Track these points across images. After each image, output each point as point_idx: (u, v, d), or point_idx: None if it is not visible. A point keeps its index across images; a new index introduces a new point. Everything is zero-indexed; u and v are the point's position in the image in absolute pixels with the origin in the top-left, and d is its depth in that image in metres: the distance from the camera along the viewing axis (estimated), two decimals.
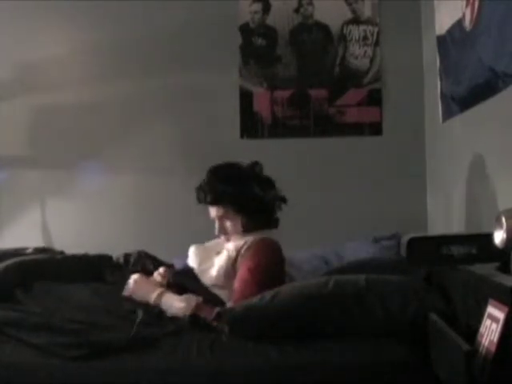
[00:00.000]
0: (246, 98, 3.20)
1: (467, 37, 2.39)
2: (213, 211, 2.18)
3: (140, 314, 1.91)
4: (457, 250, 1.61)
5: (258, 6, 3.21)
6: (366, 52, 3.20)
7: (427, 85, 3.09)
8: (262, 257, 2.06)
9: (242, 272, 2.04)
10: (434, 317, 1.64)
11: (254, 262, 2.04)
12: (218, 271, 2.10)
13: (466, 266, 1.64)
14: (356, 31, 3.20)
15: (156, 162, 3.20)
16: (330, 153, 3.18)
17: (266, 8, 3.21)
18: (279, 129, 3.20)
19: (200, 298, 2.00)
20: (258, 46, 3.22)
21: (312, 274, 2.32)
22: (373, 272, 2.10)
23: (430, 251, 1.63)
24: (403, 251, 1.68)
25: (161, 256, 2.53)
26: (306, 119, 3.20)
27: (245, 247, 2.10)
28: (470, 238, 1.64)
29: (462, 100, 2.51)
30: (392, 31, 3.18)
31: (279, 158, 3.14)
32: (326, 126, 3.19)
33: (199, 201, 2.18)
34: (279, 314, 1.78)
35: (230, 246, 2.15)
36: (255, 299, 1.83)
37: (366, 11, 3.20)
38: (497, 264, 1.55)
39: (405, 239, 1.68)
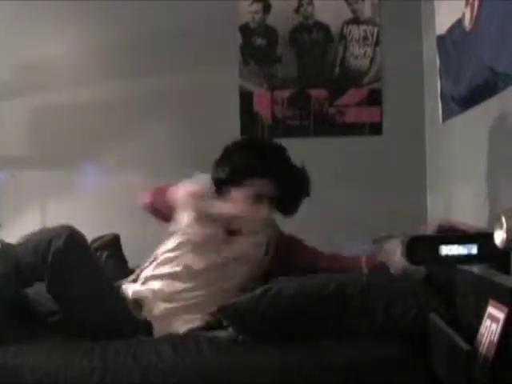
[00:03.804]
0: (246, 97, 3.19)
1: (467, 37, 2.39)
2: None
3: None
4: (457, 250, 1.61)
5: (258, 6, 3.21)
6: (366, 52, 3.20)
7: (427, 85, 3.09)
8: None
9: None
10: (434, 317, 1.64)
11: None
12: (255, 249, 2.09)
13: (465, 265, 1.64)
14: (356, 31, 3.20)
15: (156, 162, 3.20)
16: (330, 153, 3.18)
17: (266, 8, 3.21)
18: (279, 129, 3.20)
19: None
20: (257, 46, 3.22)
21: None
22: (373, 272, 2.10)
23: (430, 251, 1.63)
24: (403, 251, 1.68)
25: None
26: (306, 119, 3.20)
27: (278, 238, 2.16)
28: (470, 238, 1.64)
29: (462, 100, 2.51)
30: (392, 31, 3.18)
31: None
32: (326, 126, 3.19)
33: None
34: (280, 311, 1.78)
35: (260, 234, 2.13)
36: (256, 295, 1.83)
37: (366, 11, 3.19)
38: (497, 264, 1.56)
39: (405, 239, 1.68)
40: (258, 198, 2.08)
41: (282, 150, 2.19)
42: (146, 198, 2.16)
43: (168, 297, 2.02)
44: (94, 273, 1.93)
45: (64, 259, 1.83)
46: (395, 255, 1.96)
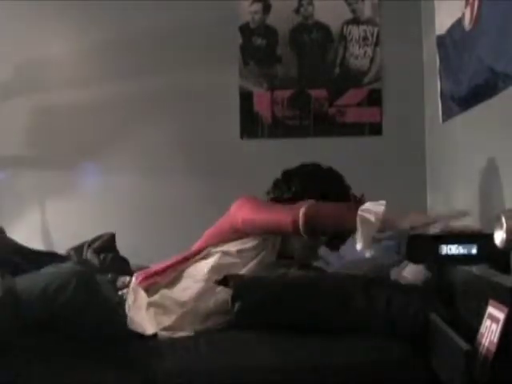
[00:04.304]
0: (246, 97, 3.20)
1: (467, 37, 2.39)
2: None
3: None
4: (457, 250, 1.61)
5: (257, 6, 3.21)
6: (366, 52, 3.20)
7: (427, 85, 3.09)
8: None
9: None
10: (434, 317, 1.64)
11: None
12: None
13: (465, 265, 1.64)
14: (356, 31, 3.20)
15: (156, 162, 3.20)
16: (330, 153, 3.17)
17: (266, 8, 3.21)
18: (279, 129, 3.20)
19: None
20: (257, 46, 3.22)
21: None
22: (373, 272, 2.10)
23: (430, 249, 1.63)
24: (403, 248, 1.68)
25: (160, 256, 2.52)
26: (306, 119, 3.20)
27: None
28: (470, 237, 1.64)
29: (462, 100, 2.51)
30: (392, 31, 3.18)
31: (279, 158, 3.13)
32: (326, 126, 3.19)
33: None
34: (283, 289, 1.79)
35: None
36: (263, 274, 1.86)
37: (366, 11, 3.20)
38: (497, 264, 1.55)
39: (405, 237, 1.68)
40: None
41: (339, 176, 2.20)
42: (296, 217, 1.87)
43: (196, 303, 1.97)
44: (102, 316, 1.79)
45: (71, 311, 1.72)
46: (404, 270, 1.97)
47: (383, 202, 1.80)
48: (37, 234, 3.16)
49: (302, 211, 1.84)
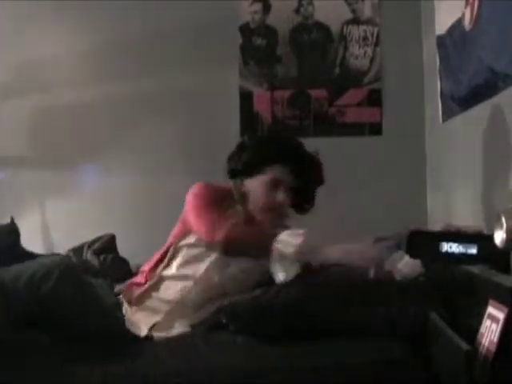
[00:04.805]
0: (246, 98, 3.19)
1: (467, 37, 2.39)
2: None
3: None
4: (457, 249, 1.61)
5: (257, 6, 3.21)
6: (366, 52, 3.20)
7: (427, 85, 3.09)
8: None
9: None
10: (434, 317, 1.64)
11: None
12: None
13: (465, 265, 1.64)
14: (356, 31, 3.20)
15: (156, 162, 3.20)
16: (330, 153, 3.16)
17: (266, 8, 3.21)
18: (279, 129, 3.19)
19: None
20: (257, 46, 3.22)
21: None
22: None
23: (431, 246, 1.63)
24: (403, 245, 1.68)
25: None
26: (306, 119, 3.20)
27: None
28: (470, 237, 1.64)
29: (462, 100, 2.51)
30: (392, 31, 3.18)
31: None
32: (326, 126, 3.19)
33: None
34: (279, 312, 1.78)
35: None
36: (256, 295, 1.83)
37: (366, 11, 3.20)
38: (497, 264, 1.56)
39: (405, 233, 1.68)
40: (275, 184, 2.04)
41: (294, 139, 2.17)
42: (218, 236, 1.90)
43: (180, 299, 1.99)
44: (88, 308, 1.80)
45: (55, 301, 1.71)
46: (399, 263, 1.96)
47: (302, 231, 1.83)
48: (37, 234, 3.16)
49: (222, 235, 1.86)
